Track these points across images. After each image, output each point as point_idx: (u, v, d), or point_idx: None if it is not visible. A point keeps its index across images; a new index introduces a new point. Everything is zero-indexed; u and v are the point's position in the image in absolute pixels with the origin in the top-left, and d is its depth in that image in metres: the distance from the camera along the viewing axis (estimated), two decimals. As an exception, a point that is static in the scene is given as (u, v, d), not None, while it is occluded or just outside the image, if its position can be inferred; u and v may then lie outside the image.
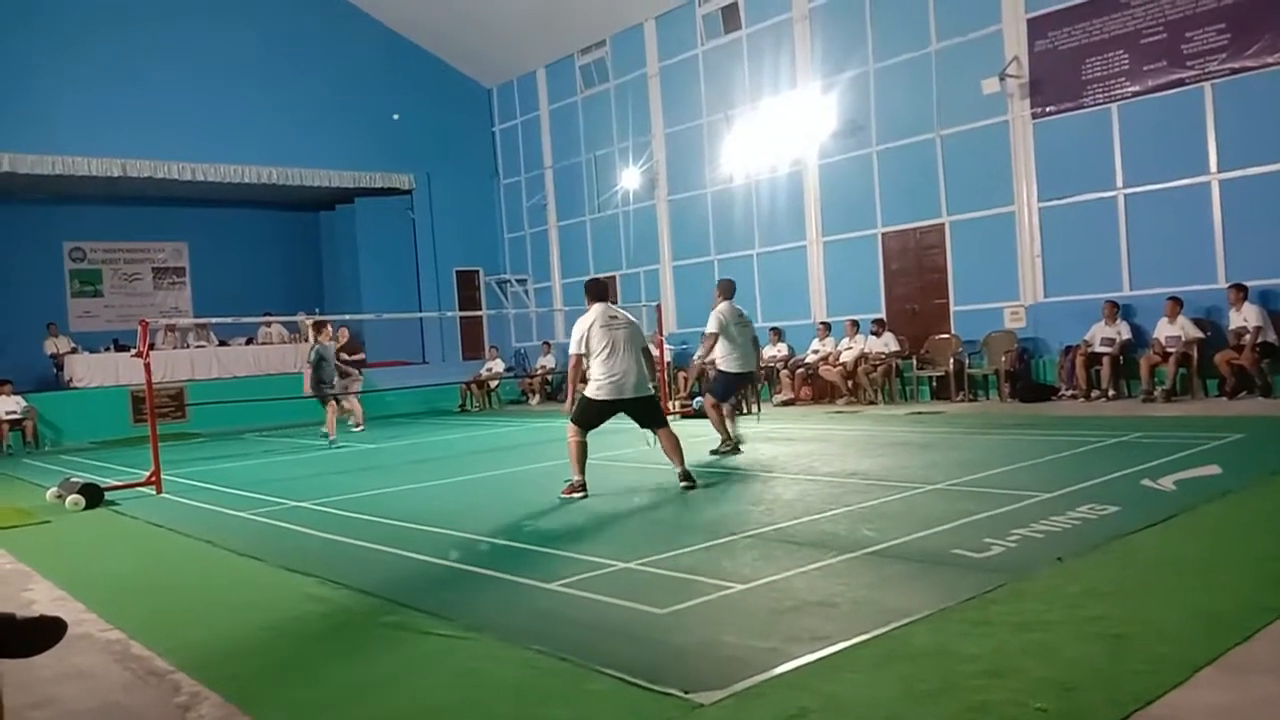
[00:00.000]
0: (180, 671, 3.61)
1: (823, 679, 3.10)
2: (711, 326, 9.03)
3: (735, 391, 9.66)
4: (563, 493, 7.02)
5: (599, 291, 7.48)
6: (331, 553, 5.74)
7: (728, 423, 9.08)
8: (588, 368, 7.17)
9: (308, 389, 13.11)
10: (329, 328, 13.58)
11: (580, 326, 7.20)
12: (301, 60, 19.31)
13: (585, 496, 6.95)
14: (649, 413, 7.32)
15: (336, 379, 13.30)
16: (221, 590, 5.06)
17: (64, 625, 2.27)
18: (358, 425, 13.95)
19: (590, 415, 7.19)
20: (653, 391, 7.49)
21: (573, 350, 7.22)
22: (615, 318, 7.25)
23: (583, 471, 7.10)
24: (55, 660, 3.50)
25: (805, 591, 4.14)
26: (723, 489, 7.13)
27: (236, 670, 3.65)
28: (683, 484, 7.09)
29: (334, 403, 13.04)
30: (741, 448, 8.98)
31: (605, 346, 7.08)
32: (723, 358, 9.07)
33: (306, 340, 19.26)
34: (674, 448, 7.19)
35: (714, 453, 8.89)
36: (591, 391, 7.15)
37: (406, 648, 3.79)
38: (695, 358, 9.18)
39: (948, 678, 3.02)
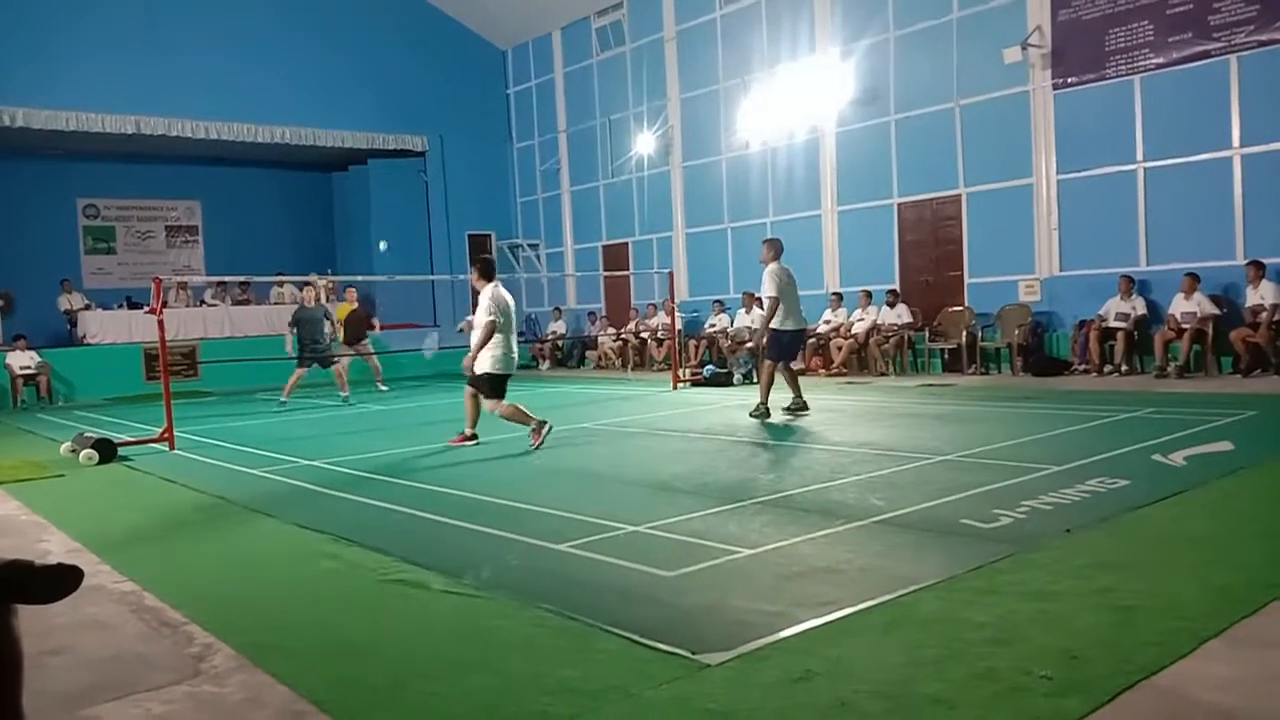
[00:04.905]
0: (193, 623, 3.66)
1: (828, 643, 3.13)
2: (771, 290, 9.09)
3: (795, 351, 9.97)
4: (450, 442, 8.07)
5: (490, 271, 8.22)
6: (343, 511, 5.79)
7: (795, 381, 9.44)
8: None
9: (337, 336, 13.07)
10: (310, 290, 13.45)
11: (503, 298, 7.94)
12: (316, 20, 19.14)
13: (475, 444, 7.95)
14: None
15: (328, 342, 12.93)
16: (234, 545, 5.11)
17: (80, 574, 2.30)
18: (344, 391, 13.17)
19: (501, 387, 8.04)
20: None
21: (493, 317, 7.80)
22: (509, 297, 8.04)
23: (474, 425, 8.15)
24: (71, 610, 3.55)
25: (812, 558, 4.15)
26: (731, 456, 7.14)
27: (249, 623, 3.69)
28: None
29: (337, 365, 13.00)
30: (797, 411, 9.21)
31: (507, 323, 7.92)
32: (780, 319, 9.17)
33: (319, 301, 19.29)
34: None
35: (787, 410, 9.17)
36: (498, 367, 7.89)
37: (419, 605, 3.83)
38: (763, 322, 9.33)
39: (954, 645, 3.04)
